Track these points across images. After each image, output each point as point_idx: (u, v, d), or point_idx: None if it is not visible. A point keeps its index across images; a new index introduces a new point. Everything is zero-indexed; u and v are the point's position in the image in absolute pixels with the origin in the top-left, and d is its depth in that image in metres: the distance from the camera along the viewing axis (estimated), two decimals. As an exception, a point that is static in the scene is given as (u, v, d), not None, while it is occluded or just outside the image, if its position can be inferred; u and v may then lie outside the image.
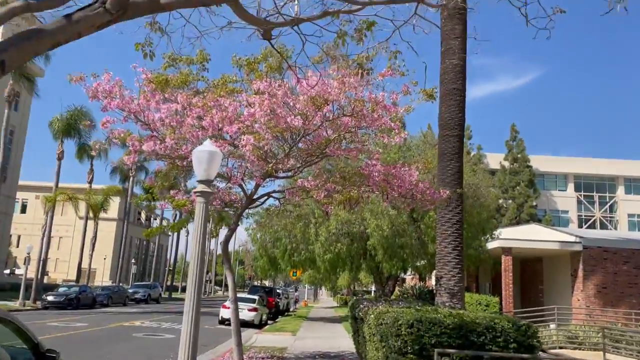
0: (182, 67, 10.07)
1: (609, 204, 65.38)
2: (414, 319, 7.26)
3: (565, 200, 65.40)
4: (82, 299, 35.93)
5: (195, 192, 7.48)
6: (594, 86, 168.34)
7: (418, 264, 27.95)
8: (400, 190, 10.38)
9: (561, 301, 25.84)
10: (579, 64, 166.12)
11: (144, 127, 9.31)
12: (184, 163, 9.54)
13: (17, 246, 73.09)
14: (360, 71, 9.12)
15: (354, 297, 42.47)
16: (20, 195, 59.39)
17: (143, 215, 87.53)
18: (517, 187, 60.47)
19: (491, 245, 26.19)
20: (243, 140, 8.72)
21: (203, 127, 9.00)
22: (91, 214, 48.27)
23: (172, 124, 9.12)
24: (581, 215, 65.39)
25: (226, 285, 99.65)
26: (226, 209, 12.94)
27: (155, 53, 5.89)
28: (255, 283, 79.32)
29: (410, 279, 51.48)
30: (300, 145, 11.43)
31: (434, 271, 32.49)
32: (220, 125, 9.04)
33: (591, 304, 24.15)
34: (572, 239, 25.76)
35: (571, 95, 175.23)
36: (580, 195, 65.56)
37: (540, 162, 63.47)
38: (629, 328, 20.66)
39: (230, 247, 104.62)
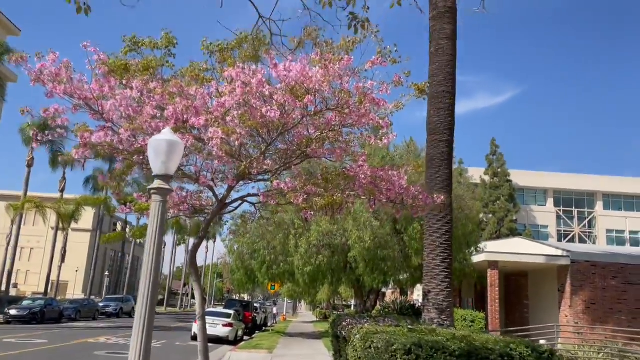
0: (145, 52, 8.90)
1: (587, 220, 65.61)
2: (411, 343, 6.03)
3: (545, 215, 65.49)
4: (47, 313, 33.94)
5: (150, 189, 6.30)
6: (572, 103, 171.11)
7: (401, 278, 26.90)
8: (389, 194, 9.30)
9: (548, 317, 24.98)
10: (556, 82, 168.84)
11: (97, 117, 8.08)
12: (142, 158, 8.32)
13: (-16, 257, 70.11)
14: (346, 57, 8.06)
15: (335, 313, 41.10)
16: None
17: (119, 226, 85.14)
18: (497, 202, 60.31)
19: (477, 258, 25.27)
20: (210, 133, 7.56)
21: (166, 118, 7.83)
22: (63, 224, 46.22)
23: (128, 112, 7.91)
24: (560, 230, 65.47)
25: (204, 299, 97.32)
26: (197, 215, 11.68)
27: (90, 7, 4.72)
28: (234, 297, 77.41)
29: (390, 293, 50.41)
30: (278, 144, 10.34)
31: (417, 285, 31.59)
32: (185, 117, 7.87)
33: (580, 320, 23.32)
34: (560, 252, 24.99)
35: (549, 112, 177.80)
36: (560, 210, 65.71)
37: (520, 177, 63.53)
38: (631, 349, 19.73)
39: (209, 260, 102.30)
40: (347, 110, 9.17)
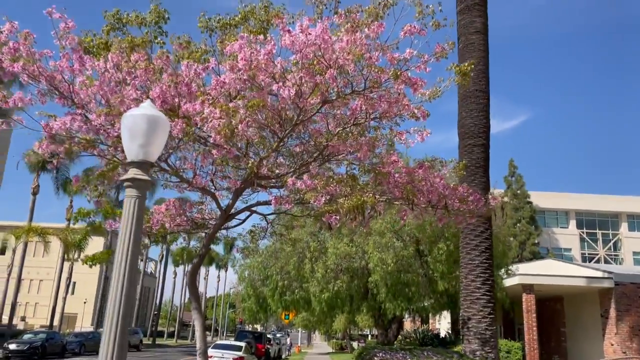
0: (132, 31, 7.34)
1: (612, 242, 62.91)
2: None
3: (568, 237, 62.93)
4: (49, 348, 32.04)
5: (123, 180, 4.64)
6: (590, 123, 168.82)
7: (425, 304, 24.78)
8: (430, 196, 7.54)
9: (589, 346, 22.64)
10: (571, 102, 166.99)
11: (67, 103, 6.46)
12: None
13: (-9, 290, 68.72)
14: (377, 22, 6.43)
15: (356, 343, 38.81)
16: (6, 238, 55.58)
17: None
18: (518, 224, 58.04)
19: (509, 282, 23.12)
20: (205, 112, 5.90)
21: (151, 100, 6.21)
22: (69, 254, 44.69)
23: (103, 93, 6.29)
24: (584, 253, 62.80)
25: (216, 330, 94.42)
26: (199, 231, 9.96)
27: None
28: (247, 328, 74.95)
29: (409, 321, 47.90)
30: (291, 143, 8.66)
31: (443, 312, 29.37)
32: (176, 100, 6.25)
33: (628, 349, 20.97)
34: (600, 274, 22.79)
35: (566, 132, 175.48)
36: (583, 232, 63.16)
37: (541, 199, 61.25)
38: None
39: (221, 289, 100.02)
40: (376, 95, 7.52)
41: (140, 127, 4.86)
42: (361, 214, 6.77)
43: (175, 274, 76.44)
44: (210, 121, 5.86)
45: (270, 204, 8.12)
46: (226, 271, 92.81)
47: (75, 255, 44.87)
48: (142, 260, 78.13)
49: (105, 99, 6.40)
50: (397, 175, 7.48)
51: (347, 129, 8.29)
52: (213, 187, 8.04)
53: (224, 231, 9.95)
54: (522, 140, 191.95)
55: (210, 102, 6.11)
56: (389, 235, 20.90)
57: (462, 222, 8.71)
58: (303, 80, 6.33)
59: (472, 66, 8.37)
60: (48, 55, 6.30)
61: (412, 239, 22.01)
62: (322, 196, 6.59)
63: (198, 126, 6.39)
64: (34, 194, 40.53)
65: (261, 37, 6.55)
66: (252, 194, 9.19)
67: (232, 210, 8.52)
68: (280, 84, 6.26)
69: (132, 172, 4.72)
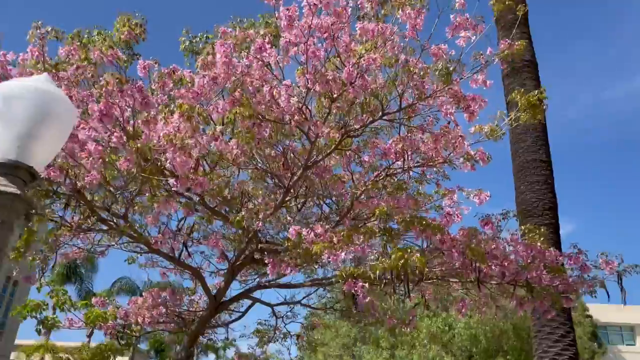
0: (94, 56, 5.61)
1: (687, 362, 55.37)
2: None
3: (636, 356, 55.91)
4: None
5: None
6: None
7: None
8: (505, 268, 5.06)
9: None
10: (616, 210, 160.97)
11: None
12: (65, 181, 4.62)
13: (8, 417, 64.51)
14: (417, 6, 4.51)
15: None
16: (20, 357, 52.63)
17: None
18: (579, 341, 51.95)
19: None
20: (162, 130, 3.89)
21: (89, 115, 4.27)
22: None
23: None
24: (658, 376, 55.18)
25: None
26: (185, 329, 7.47)
27: None
28: None
29: None
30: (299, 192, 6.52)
31: None
32: (126, 115, 4.30)
33: None
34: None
35: (616, 237, 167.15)
36: (653, 351, 56.09)
37: (601, 312, 55.39)
38: None
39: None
40: (416, 124, 5.43)
41: (22, 107, 2.85)
42: (403, 281, 4.33)
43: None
44: (174, 157, 3.79)
45: (267, 266, 5.68)
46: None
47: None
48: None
49: None
50: (450, 240, 5.10)
51: (380, 181, 6.14)
52: (187, 254, 5.83)
53: (222, 329, 7.49)
54: (578, 240, 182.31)
55: (168, 138, 4.07)
56: (435, 349, 17.59)
57: (549, 312, 6.02)
58: (309, 84, 4.32)
59: (544, 94, 6.29)
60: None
61: (463, 352, 18.57)
62: (341, 251, 4.24)
63: (159, 154, 4.36)
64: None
65: (251, 32, 4.70)
66: (253, 277, 6.87)
67: (223, 297, 6.17)
68: (275, 84, 4.27)
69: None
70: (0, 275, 38.12)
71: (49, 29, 4.35)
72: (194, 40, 5.90)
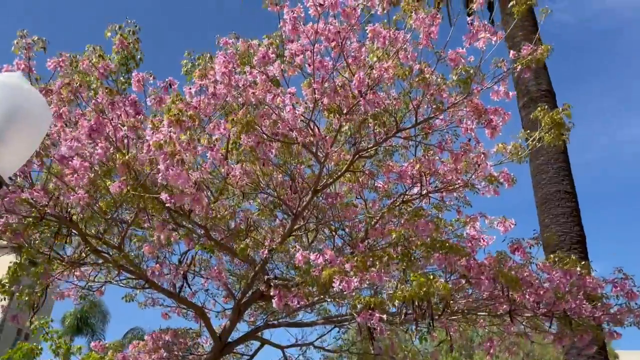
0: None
1: None
2: None
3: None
4: None
5: None
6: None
7: None
8: (541, 296, 4.52)
9: None
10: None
11: None
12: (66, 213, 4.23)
13: None
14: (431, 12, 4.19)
15: None
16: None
17: None
18: (611, 391, 49.13)
19: None
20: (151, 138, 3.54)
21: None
22: None
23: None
24: None
25: None
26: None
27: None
28: None
29: None
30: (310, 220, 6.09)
31: None
32: (111, 127, 3.98)
33: None
34: None
35: None
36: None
37: (632, 358, 52.82)
38: None
39: None
40: (435, 142, 5.05)
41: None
42: (427, 313, 3.80)
43: None
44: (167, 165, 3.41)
45: (272, 299, 5.14)
46: None
47: None
48: None
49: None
50: (476, 266, 4.58)
51: (396, 208, 5.70)
52: (198, 299, 5.34)
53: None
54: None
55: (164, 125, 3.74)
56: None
57: (589, 348, 5.38)
58: (317, 94, 3.97)
59: (569, 111, 5.88)
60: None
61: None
62: (354, 279, 3.73)
63: (151, 173, 3.99)
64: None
65: (254, 42, 4.41)
66: (261, 315, 6.35)
67: (229, 338, 5.64)
68: (279, 92, 3.92)
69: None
70: None
71: (35, 39, 4.11)
72: (196, 63, 5.64)
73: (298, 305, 4.20)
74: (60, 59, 4.18)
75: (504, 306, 4.82)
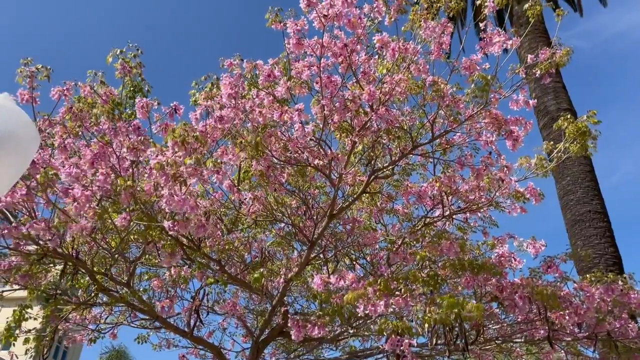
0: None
1: None
2: None
3: None
4: None
5: None
6: None
7: None
8: (581, 316, 4.14)
9: None
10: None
11: None
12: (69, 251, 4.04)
13: None
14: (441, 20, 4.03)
15: None
16: None
17: None
18: None
19: None
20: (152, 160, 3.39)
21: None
22: None
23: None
24: None
25: None
26: None
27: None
28: None
29: None
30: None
31: None
32: (115, 158, 3.83)
33: None
34: None
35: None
36: None
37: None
38: None
39: None
40: (454, 158, 4.80)
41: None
42: (460, 338, 3.46)
43: None
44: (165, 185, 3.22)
45: (288, 330, 4.83)
46: None
47: None
48: None
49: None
50: (508, 284, 4.24)
51: (418, 231, 5.41)
52: (215, 339, 5.03)
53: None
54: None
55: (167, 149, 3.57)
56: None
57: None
58: (326, 110, 3.78)
59: (595, 118, 5.60)
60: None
61: None
62: (380, 302, 3.42)
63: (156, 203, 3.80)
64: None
65: (259, 62, 4.27)
66: (286, 352, 5.99)
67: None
68: (286, 109, 3.74)
69: None
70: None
71: (39, 67, 4.04)
72: (203, 86, 5.54)
73: (319, 335, 3.89)
74: (64, 88, 4.10)
75: (541, 331, 4.44)
